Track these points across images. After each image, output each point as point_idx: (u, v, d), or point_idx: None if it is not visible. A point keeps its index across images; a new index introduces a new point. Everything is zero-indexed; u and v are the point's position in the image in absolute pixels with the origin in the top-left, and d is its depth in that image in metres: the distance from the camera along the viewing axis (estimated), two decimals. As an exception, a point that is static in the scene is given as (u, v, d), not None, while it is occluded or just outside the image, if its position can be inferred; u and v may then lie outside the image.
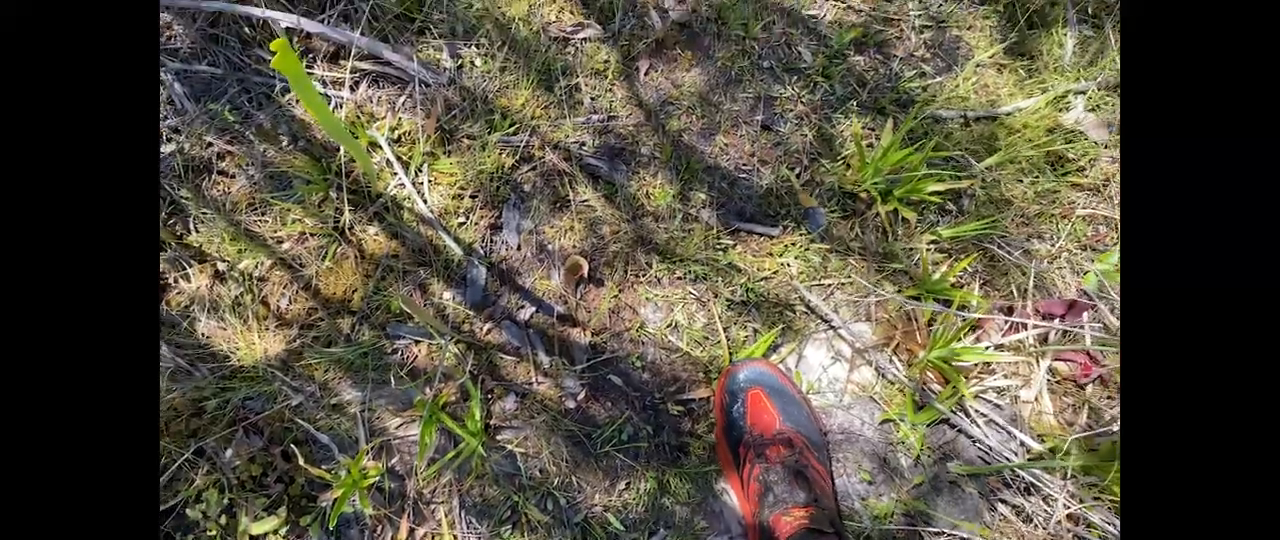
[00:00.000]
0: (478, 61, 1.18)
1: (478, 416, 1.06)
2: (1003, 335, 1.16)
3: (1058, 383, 1.16)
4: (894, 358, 1.15)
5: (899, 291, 1.17)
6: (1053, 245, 1.22)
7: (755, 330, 1.15)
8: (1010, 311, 1.17)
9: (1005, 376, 1.15)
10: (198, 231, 1.12)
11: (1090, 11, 1.31)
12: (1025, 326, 1.16)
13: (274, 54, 0.70)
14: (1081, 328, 1.15)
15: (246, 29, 1.15)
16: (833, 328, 1.16)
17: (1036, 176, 1.23)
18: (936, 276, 1.16)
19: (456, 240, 1.13)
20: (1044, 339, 1.16)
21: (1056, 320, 1.15)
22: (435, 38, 1.18)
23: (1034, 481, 1.08)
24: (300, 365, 1.09)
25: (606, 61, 1.20)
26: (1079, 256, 1.22)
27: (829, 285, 1.18)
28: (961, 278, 1.19)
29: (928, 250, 1.19)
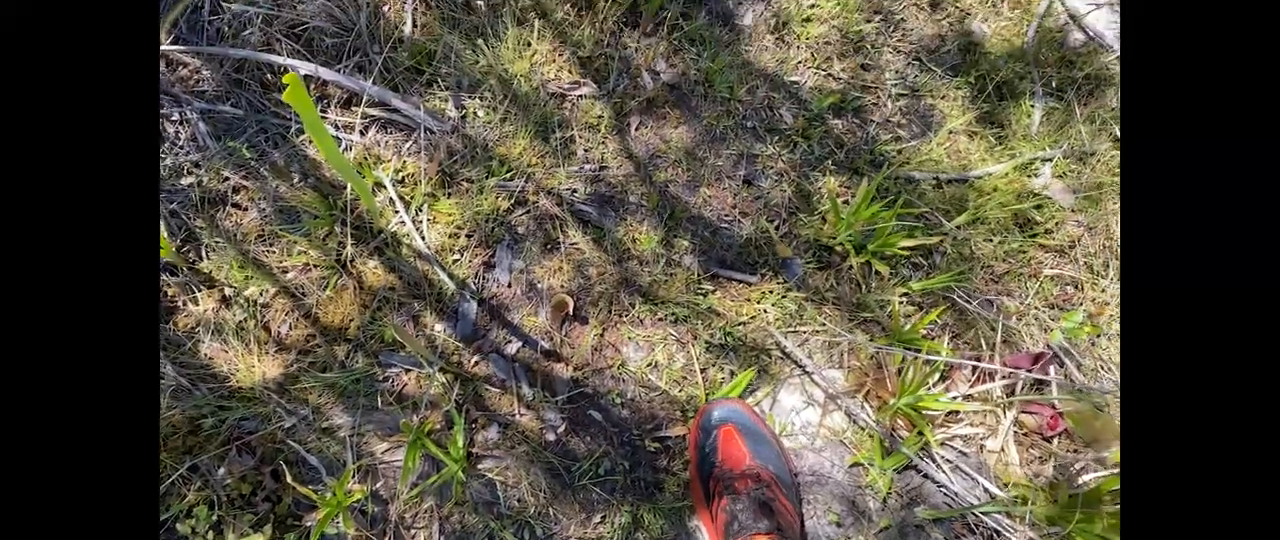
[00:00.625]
0: (480, 112, 1.27)
1: (460, 444, 1.11)
2: (970, 386, 1.21)
3: (1024, 434, 1.19)
4: (865, 404, 1.19)
5: (872, 340, 1.22)
6: (1021, 302, 1.27)
7: (732, 372, 1.20)
8: (978, 361, 1.21)
9: (972, 425, 1.19)
10: (209, 259, 1.19)
11: (1056, 85, 1.40)
12: (992, 378, 1.20)
13: (287, 102, 0.78)
14: (1048, 379, 1.20)
15: (268, 75, 1.24)
16: (806, 373, 1.21)
17: (1005, 236, 1.30)
18: (907, 327, 1.21)
19: (451, 276, 1.19)
20: (1011, 391, 1.21)
21: (1022, 373, 1.19)
22: (442, 89, 1.27)
23: (997, 529, 1.11)
24: (295, 389, 1.15)
25: (600, 116, 1.29)
26: (1046, 314, 1.27)
27: (804, 332, 1.23)
28: (931, 330, 1.25)
29: (899, 302, 1.24)
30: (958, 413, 1.20)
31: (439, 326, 1.19)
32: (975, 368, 1.22)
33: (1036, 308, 1.27)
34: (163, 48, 1.20)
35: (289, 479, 1.09)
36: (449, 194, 1.23)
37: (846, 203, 1.29)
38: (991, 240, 1.30)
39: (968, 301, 1.25)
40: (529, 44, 1.30)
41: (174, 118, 1.22)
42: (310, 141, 1.24)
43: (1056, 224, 1.31)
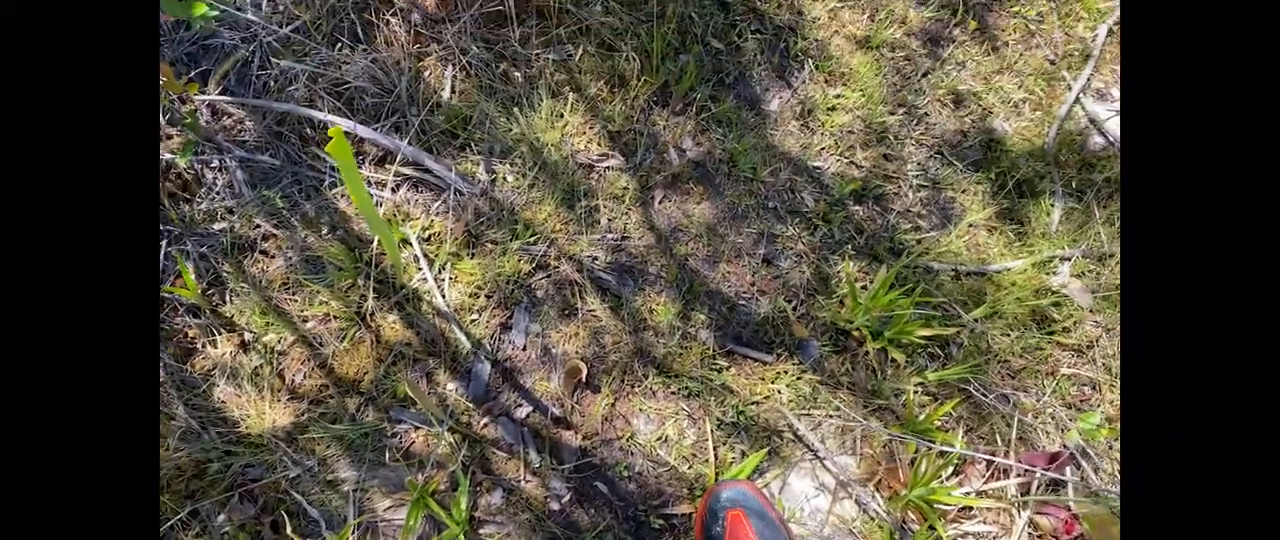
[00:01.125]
0: (510, 177, 1.30)
1: (464, 506, 1.09)
2: (984, 482, 1.19)
3: (1039, 537, 1.16)
4: (876, 493, 1.17)
5: (886, 428, 1.20)
6: (1037, 400, 1.26)
7: (743, 452, 1.19)
8: (993, 456, 1.19)
9: (985, 523, 1.16)
10: (232, 303, 1.20)
11: (1076, 186, 1.42)
12: (1007, 474, 1.18)
13: (329, 153, 0.81)
14: (1064, 479, 1.17)
15: (308, 129, 1.28)
16: (818, 458, 1.20)
17: (1023, 332, 1.29)
18: (922, 417, 1.20)
19: (468, 335, 1.20)
20: (1026, 490, 1.18)
21: (1037, 471, 1.17)
22: (475, 153, 1.31)
23: (1010, 634, 1.07)
24: (304, 439, 1.14)
25: (625, 188, 1.32)
26: (1063, 414, 1.25)
27: (817, 416, 1.22)
28: (946, 421, 1.23)
29: (914, 391, 1.23)
30: (971, 509, 1.17)
31: (452, 385, 1.19)
32: (990, 463, 1.20)
33: (1053, 406, 1.26)
34: (211, 97, 1.25)
35: (289, 530, 1.07)
36: (472, 254, 1.25)
37: (865, 288, 1.30)
38: (1009, 335, 1.29)
39: (984, 395, 1.24)
40: (562, 115, 1.34)
41: (213, 164, 1.26)
42: (343, 195, 1.27)
43: (1074, 323, 1.31)
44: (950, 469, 1.19)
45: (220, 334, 1.19)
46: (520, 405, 1.19)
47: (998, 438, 1.22)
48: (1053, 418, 1.25)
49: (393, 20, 1.31)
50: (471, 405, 1.18)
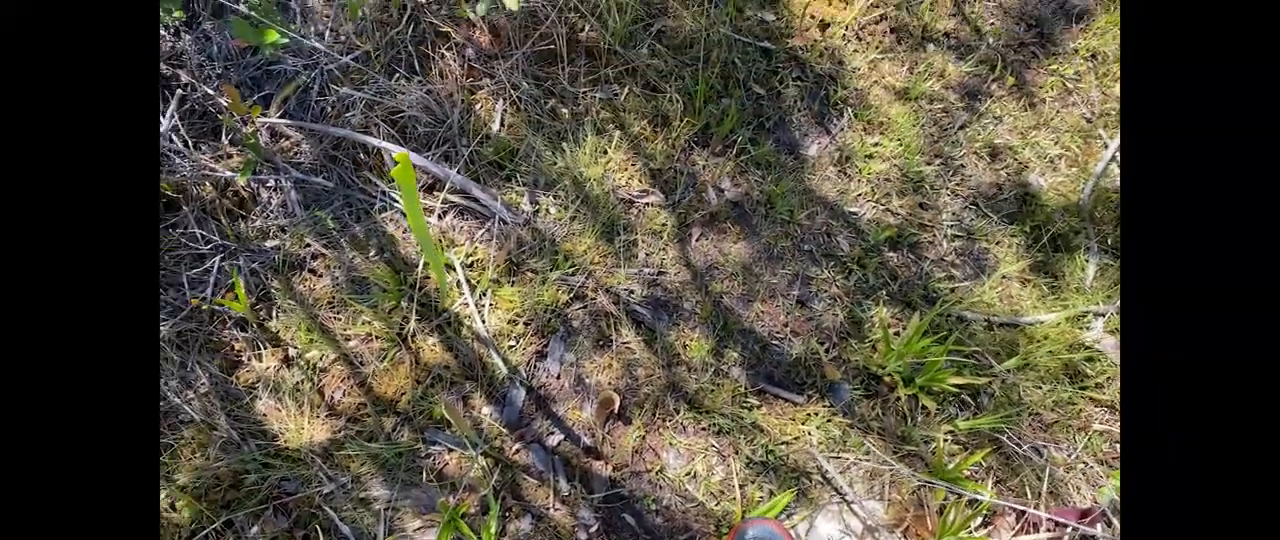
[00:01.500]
0: (552, 209, 1.33)
1: (493, 530, 1.11)
2: (1013, 534, 1.18)
3: (1069, 594, 1.15)
4: (904, 540, 1.17)
5: (915, 474, 1.20)
6: (1068, 455, 1.25)
7: (771, 491, 1.19)
8: (1023, 508, 1.19)
9: (1014, 577, 1.15)
10: (278, 319, 1.24)
11: (1110, 243, 1.43)
12: (1037, 528, 1.17)
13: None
14: (1095, 535, 1.16)
15: (362, 154, 1.33)
16: (846, 501, 1.19)
17: (1055, 385, 1.29)
18: (951, 466, 1.20)
19: (505, 361, 1.23)
20: (1056, 546, 1.17)
21: (1069, 526, 1.16)
22: (520, 185, 1.35)
23: None
24: (339, 455, 1.16)
25: (664, 224, 1.35)
26: (1096, 470, 1.25)
27: (847, 459, 1.22)
28: (975, 471, 1.23)
29: (944, 439, 1.23)
30: (1000, 562, 1.16)
31: (487, 409, 1.21)
32: (1020, 515, 1.19)
33: (1085, 462, 1.25)
34: (271, 120, 1.30)
35: (321, 545, 1.09)
36: (513, 282, 1.28)
37: (898, 334, 1.31)
38: (1041, 387, 1.29)
39: (1015, 446, 1.24)
40: (605, 152, 1.38)
41: (269, 183, 1.30)
42: (391, 219, 1.31)
43: (1108, 379, 1.31)
44: (979, 519, 1.18)
45: (266, 348, 1.22)
46: (552, 433, 1.21)
47: (1028, 490, 1.21)
48: (1084, 473, 1.24)
49: (448, 54, 1.37)
50: (505, 430, 1.20)
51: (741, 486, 1.19)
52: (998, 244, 1.42)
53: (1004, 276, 1.39)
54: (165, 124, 1.22)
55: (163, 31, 1.29)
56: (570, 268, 1.30)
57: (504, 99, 1.39)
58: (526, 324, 1.26)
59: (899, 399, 1.26)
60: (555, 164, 1.36)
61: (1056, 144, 1.52)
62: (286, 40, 1.20)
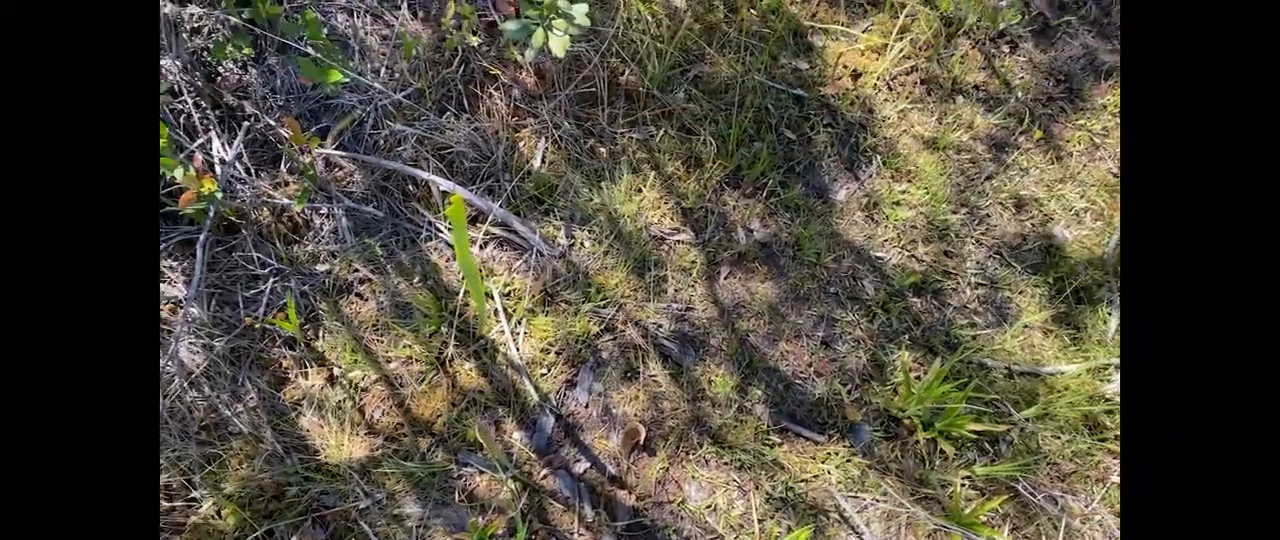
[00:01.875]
0: (587, 243, 1.39)
1: (520, 552, 1.15)
2: (1029, 583, 1.19)
3: (1082, 645, 1.16)
4: (919, 582, 1.19)
5: (931, 517, 1.23)
6: (1085, 505, 1.27)
7: (789, 527, 1.22)
8: (1038, 560, 1.20)
9: (1028, 625, 1.16)
10: (324, 339, 1.31)
11: (1134, 297, 1.45)
12: (1051, 578, 1.19)
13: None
14: (1108, 591, 1.17)
15: (411, 186, 1.41)
16: (863, 541, 1.22)
17: (1074, 436, 1.31)
18: (967, 510, 1.22)
19: (536, 388, 1.28)
20: (1071, 596, 1.18)
21: (1083, 578, 1.17)
22: (557, 219, 1.41)
23: None
24: (376, 472, 1.22)
25: (693, 262, 1.40)
26: (1112, 522, 1.26)
27: (864, 499, 1.25)
28: (992, 517, 1.25)
29: (962, 484, 1.26)
30: (1014, 609, 1.18)
31: (517, 434, 1.26)
32: (1035, 565, 1.21)
33: (1102, 513, 1.27)
34: (327, 151, 1.38)
35: (356, 558, 1.14)
36: (547, 312, 1.34)
37: (919, 378, 1.34)
38: (1060, 438, 1.31)
39: (1032, 494, 1.26)
40: (640, 190, 1.44)
41: (322, 211, 1.38)
42: (436, 248, 1.37)
43: (1128, 432, 1.32)
44: (995, 566, 1.20)
45: (312, 367, 1.29)
46: (579, 460, 1.25)
47: (1043, 539, 1.23)
48: (1101, 525, 1.26)
49: (495, 94, 1.44)
50: (534, 456, 1.25)
51: (760, 521, 1.22)
52: (1021, 294, 1.45)
53: (1026, 326, 1.41)
54: (231, 152, 1.31)
55: (231, 65, 1.38)
56: (602, 300, 1.35)
57: (546, 138, 1.46)
58: (558, 353, 1.32)
59: (918, 442, 1.29)
60: (592, 200, 1.42)
61: (1082, 197, 1.55)
62: (348, 79, 1.28)
